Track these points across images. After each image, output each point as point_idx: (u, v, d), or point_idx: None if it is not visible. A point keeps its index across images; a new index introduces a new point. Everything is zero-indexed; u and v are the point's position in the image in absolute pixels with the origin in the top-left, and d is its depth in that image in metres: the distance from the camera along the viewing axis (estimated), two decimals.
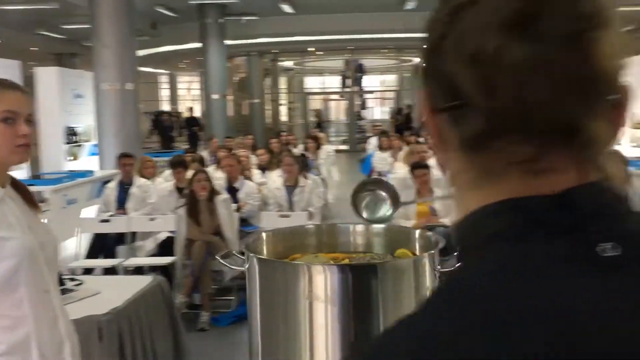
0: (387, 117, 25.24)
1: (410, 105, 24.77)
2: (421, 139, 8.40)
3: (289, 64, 26.77)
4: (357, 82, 24.09)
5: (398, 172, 6.60)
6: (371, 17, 17.01)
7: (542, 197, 0.47)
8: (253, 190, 5.83)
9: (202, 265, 4.66)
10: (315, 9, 16.34)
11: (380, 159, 9.19)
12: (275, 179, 6.67)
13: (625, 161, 3.63)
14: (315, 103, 26.79)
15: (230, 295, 5.02)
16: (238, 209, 5.49)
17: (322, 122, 22.67)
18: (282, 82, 27.28)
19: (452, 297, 0.47)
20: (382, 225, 1.57)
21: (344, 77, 24.78)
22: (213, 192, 4.94)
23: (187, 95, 30.36)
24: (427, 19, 0.53)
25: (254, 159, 7.76)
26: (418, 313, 0.47)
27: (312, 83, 29.00)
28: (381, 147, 9.94)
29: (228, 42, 15.01)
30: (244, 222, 5.57)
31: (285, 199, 5.63)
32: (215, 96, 14.15)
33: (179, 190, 5.41)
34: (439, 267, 1.34)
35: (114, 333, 2.64)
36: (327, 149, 9.32)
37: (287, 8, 14.87)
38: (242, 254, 1.41)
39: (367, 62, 25.85)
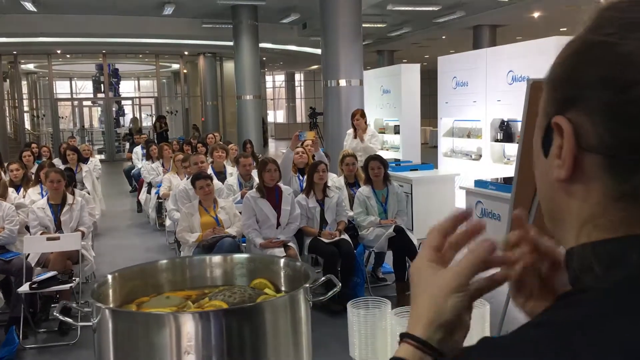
0: (144, 124, 24.27)
1: (171, 112, 24.25)
2: (200, 147, 8.15)
3: (31, 66, 24.19)
4: (113, 87, 22.80)
5: (179, 183, 6.23)
6: (126, 20, 16.22)
7: None
8: (10, 212, 5.09)
9: None
10: (62, 8, 15.02)
11: (150, 170, 8.74)
12: (35, 196, 5.95)
13: None
14: (65, 110, 24.61)
15: None
16: None
17: None
18: (25, 87, 24.52)
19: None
20: (243, 255, 1.44)
21: (97, 82, 23.21)
22: None
23: None
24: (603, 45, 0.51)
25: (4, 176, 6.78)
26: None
27: (61, 88, 26.57)
28: (149, 157, 9.46)
29: None
30: (0, 249, 4.83)
31: (51, 219, 5.02)
32: None
33: None
34: (310, 296, 1.26)
35: None
36: (93, 161, 8.56)
37: (29, 5, 13.38)
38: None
39: (123, 67, 24.64)
